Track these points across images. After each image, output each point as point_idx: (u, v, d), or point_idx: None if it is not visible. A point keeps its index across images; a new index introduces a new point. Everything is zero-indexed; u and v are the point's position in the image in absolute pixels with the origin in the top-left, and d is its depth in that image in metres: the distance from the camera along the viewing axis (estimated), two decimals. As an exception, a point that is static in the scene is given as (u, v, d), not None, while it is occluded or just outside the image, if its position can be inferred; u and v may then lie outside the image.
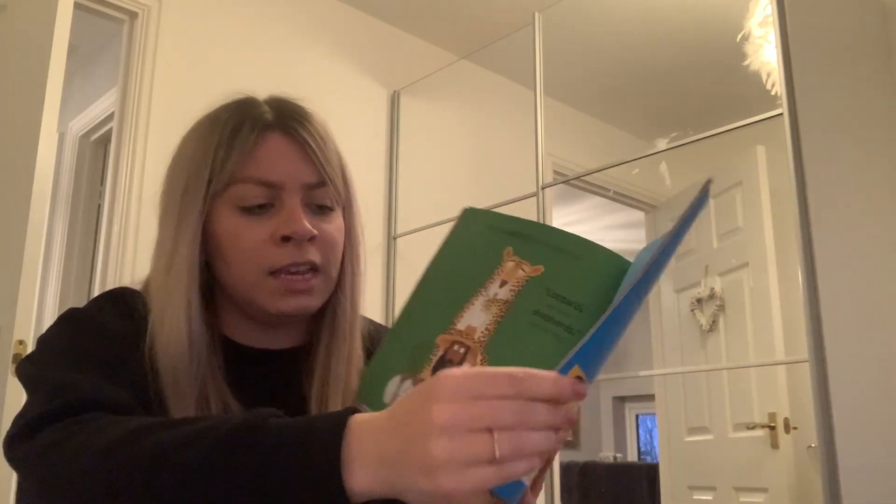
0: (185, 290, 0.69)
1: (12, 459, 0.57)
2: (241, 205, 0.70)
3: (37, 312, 2.18)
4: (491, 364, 0.57)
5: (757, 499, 3.00)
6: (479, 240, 0.65)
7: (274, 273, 0.69)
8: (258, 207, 0.70)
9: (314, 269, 0.71)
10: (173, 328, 0.67)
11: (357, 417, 0.47)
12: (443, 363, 0.60)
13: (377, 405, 0.61)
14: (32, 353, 0.68)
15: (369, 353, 0.77)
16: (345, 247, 0.75)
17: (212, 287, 0.74)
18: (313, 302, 0.72)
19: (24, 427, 0.57)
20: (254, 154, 0.70)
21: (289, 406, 0.71)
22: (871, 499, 1.75)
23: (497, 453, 0.41)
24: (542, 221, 2.59)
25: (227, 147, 0.70)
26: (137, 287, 0.75)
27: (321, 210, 0.73)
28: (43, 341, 0.68)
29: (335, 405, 0.71)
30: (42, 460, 0.54)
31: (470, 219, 0.68)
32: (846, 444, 1.71)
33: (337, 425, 0.46)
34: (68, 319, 0.70)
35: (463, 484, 0.41)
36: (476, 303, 0.61)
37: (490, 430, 0.42)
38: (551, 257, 0.60)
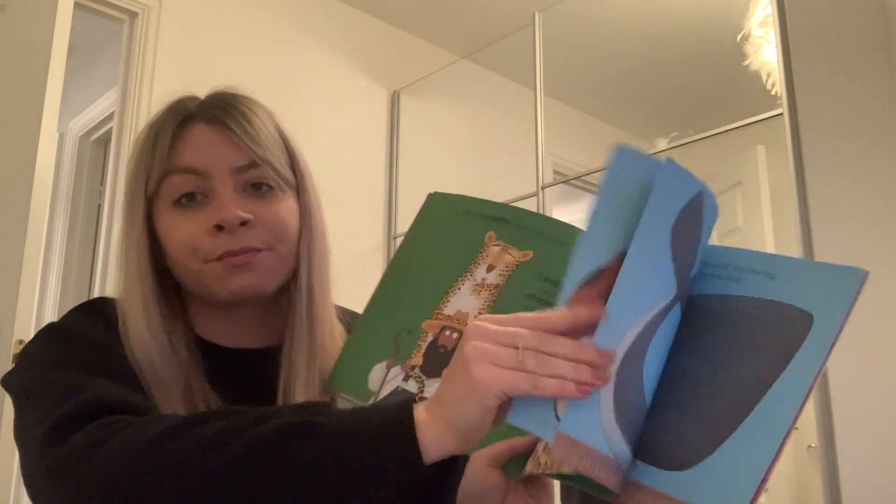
0: (141, 298, 0.69)
1: (50, 468, 0.53)
2: (173, 198, 0.70)
3: (37, 312, 2.18)
4: None
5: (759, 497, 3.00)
6: (455, 224, 0.64)
7: (211, 260, 0.69)
8: (187, 199, 0.69)
9: (255, 250, 0.69)
10: (137, 335, 0.67)
11: (420, 406, 0.50)
12: (435, 348, 0.60)
13: (361, 393, 0.61)
14: (17, 365, 0.66)
15: None
16: (301, 230, 0.74)
17: (179, 290, 0.74)
18: (261, 279, 0.70)
19: (52, 430, 0.54)
20: (175, 147, 0.70)
21: (270, 403, 0.71)
22: (871, 499, 1.75)
23: (523, 363, 0.46)
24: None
25: (152, 148, 0.70)
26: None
27: (261, 193, 0.71)
28: (27, 355, 0.67)
29: (300, 397, 0.70)
30: (85, 460, 0.51)
31: (439, 203, 0.67)
32: (846, 444, 1.71)
33: (404, 402, 0.50)
34: (50, 332, 0.69)
35: (492, 377, 0.46)
36: (462, 288, 0.61)
37: (516, 348, 0.47)
38: (539, 243, 0.60)
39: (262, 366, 0.74)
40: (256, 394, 0.73)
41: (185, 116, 0.72)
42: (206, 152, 0.70)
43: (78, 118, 3.21)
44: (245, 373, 0.74)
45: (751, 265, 0.53)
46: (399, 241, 2.92)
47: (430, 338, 0.60)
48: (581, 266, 0.50)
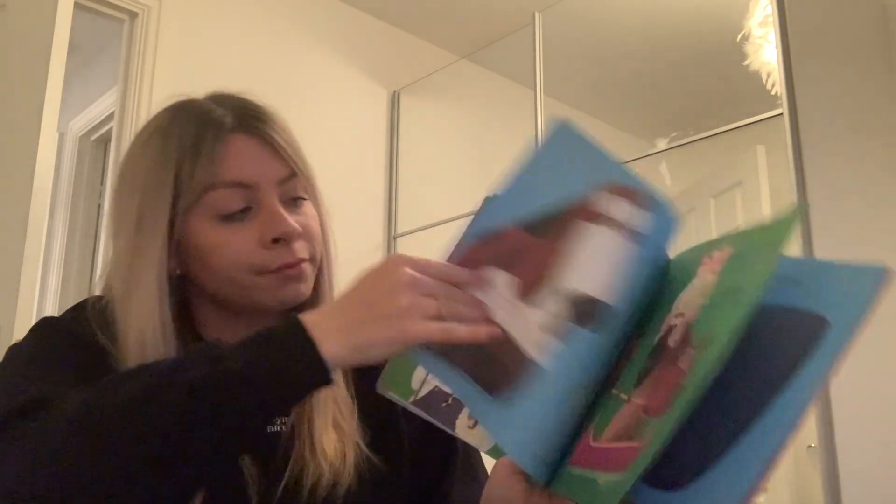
0: (156, 307, 0.67)
1: None
2: (221, 213, 0.68)
3: (37, 312, 2.18)
4: None
5: (756, 499, 3.00)
6: None
7: (265, 273, 0.69)
8: (239, 213, 0.69)
9: (303, 260, 0.71)
10: (145, 343, 0.66)
11: (305, 314, 0.55)
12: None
13: (404, 391, 0.62)
14: (4, 356, 0.67)
15: None
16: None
17: (185, 295, 0.73)
18: (306, 288, 0.72)
19: None
20: (222, 159, 0.68)
21: None
22: (871, 499, 1.75)
23: (443, 311, 0.54)
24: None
25: (192, 157, 0.68)
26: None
27: (295, 202, 0.72)
28: (10, 349, 0.68)
29: (315, 397, 0.71)
30: (14, 444, 0.52)
31: None
32: (846, 444, 1.71)
33: (293, 321, 0.55)
34: (41, 329, 0.70)
35: (423, 330, 0.53)
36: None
37: (435, 297, 0.55)
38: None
39: None
40: None
41: (227, 127, 0.70)
42: (253, 165, 0.69)
43: (78, 118, 3.21)
44: None
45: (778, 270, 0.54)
46: (399, 241, 2.94)
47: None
48: (481, 221, 0.60)
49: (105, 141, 3.11)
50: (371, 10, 3.03)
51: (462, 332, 0.55)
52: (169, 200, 0.68)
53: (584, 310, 0.57)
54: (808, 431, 1.86)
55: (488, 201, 0.64)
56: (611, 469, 0.52)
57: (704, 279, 0.56)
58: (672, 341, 0.55)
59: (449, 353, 0.56)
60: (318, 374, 0.53)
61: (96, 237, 3.01)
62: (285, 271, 0.69)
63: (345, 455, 0.69)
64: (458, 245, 0.59)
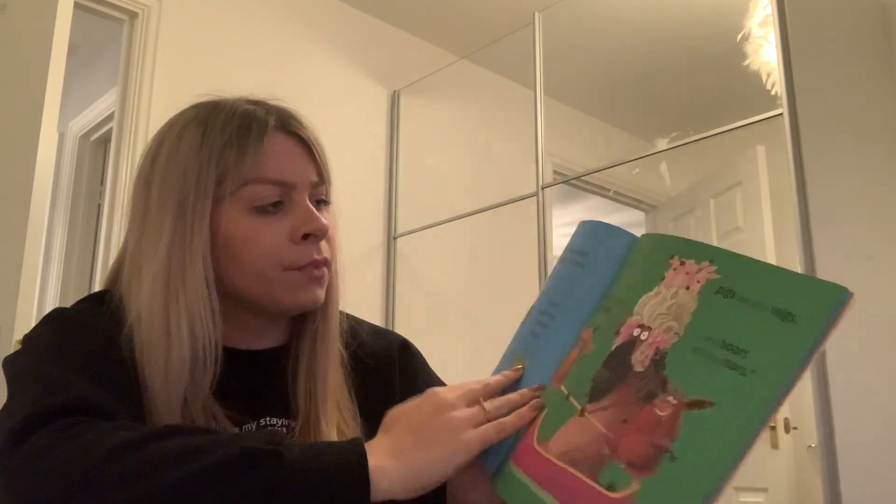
0: (209, 308, 0.67)
1: (4, 471, 0.54)
2: (256, 205, 0.69)
3: (37, 312, 2.18)
4: None
5: (757, 499, 3.00)
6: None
7: (293, 269, 0.70)
8: (272, 206, 0.70)
9: (327, 262, 0.73)
10: (177, 343, 0.65)
11: (371, 447, 0.56)
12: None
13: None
14: (19, 350, 0.66)
15: (349, 348, 0.79)
16: None
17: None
18: (323, 294, 0.73)
19: (10, 433, 0.54)
20: (265, 155, 0.70)
21: (272, 405, 0.72)
22: (871, 499, 1.75)
23: (490, 413, 0.59)
24: (541, 222, 2.59)
25: (239, 148, 0.69)
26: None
27: (319, 207, 0.74)
28: (29, 340, 0.67)
29: (322, 402, 0.72)
30: (30, 469, 0.52)
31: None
32: (846, 444, 1.71)
33: (355, 444, 0.55)
34: (55, 319, 0.69)
35: (480, 436, 0.57)
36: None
37: (479, 403, 0.60)
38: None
39: (264, 367, 0.75)
40: (258, 394, 0.73)
41: (270, 125, 0.71)
42: (292, 164, 0.72)
43: (78, 118, 3.21)
44: (247, 374, 0.74)
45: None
46: (399, 241, 2.94)
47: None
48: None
49: (105, 141, 3.11)
50: (371, 10, 3.03)
51: (511, 422, 0.59)
52: (212, 190, 0.69)
53: (523, 321, 0.69)
54: (808, 431, 1.85)
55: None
56: (560, 497, 0.52)
57: (677, 294, 0.54)
58: (637, 362, 0.54)
59: None
60: None
61: (96, 237, 3.00)
62: (312, 270, 0.71)
63: None
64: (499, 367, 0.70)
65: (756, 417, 0.46)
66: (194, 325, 0.66)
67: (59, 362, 0.62)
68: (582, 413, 0.55)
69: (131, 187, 0.74)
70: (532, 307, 0.69)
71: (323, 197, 0.75)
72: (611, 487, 0.50)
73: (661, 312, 0.55)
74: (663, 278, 0.56)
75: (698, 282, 0.53)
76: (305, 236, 0.70)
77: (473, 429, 0.57)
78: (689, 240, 0.57)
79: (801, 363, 0.46)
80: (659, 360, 0.52)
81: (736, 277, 0.52)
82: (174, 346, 0.65)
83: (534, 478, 0.55)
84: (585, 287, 0.64)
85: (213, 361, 0.67)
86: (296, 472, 0.52)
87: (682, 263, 0.55)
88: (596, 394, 0.55)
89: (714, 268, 0.53)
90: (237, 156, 0.69)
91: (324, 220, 0.71)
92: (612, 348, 0.56)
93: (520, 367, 0.64)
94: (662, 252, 0.58)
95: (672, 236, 0.59)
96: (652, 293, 0.56)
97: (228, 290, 0.71)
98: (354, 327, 0.81)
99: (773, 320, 0.48)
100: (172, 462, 0.51)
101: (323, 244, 0.72)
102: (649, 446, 0.49)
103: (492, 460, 0.60)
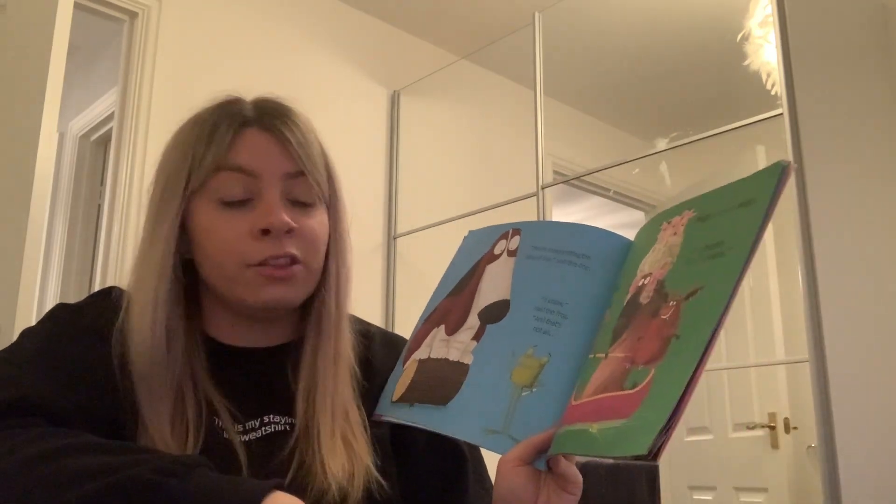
0: (154, 287, 0.68)
1: None
2: (222, 198, 0.70)
3: (37, 312, 2.17)
4: None
5: (757, 499, 3.00)
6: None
7: (252, 265, 0.69)
8: (238, 202, 0.70)
9: (294, 260, 0.70)
10: (142, 326, 0.67)
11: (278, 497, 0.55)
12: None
13: None
14: (11, 344, 0.68)
15: (360, 354, 0.78)
16: (329, 244, 0.75)
17: (196, 287, 0.74)
18: (294, 293, 0.72)
19: None
20: (232, 147, 0.70)
21: (275, 403, 0.72)
22: (871, 499, 1.75)
23: None
24: (542, 222, 2.59)
25: (207, 143, 0.70)
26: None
27: (302, 205, 0.72)
28: (22, 334, 0.69)
29: (322, 403, 0.71)
30: None
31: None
32: (846, 444, 1.71)
33: (263, 486, 0.55)
34: (55, 317, 0.71)
35: None
36: None
37: None
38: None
39: (266, 364, 0.75)
40: (260, 391, 0.73)
41: (243, 120, 0.72)
42: (260, 156, 0.71)
43: (78, 118, 3.21)
44: (250, 371, 0.74)
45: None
46: (399, 241, 2.94)
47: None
48: (426, 309, 0.81)
49: (105, 141, 3.11)
50: (371, 10, 3.03)
51: None
52: (183, 184, 0.70)
53: (493, 312, 0.73)
54: (809, 431, 1.85)
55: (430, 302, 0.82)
56: (603, 418, 0.57)
57: (667, 241, 0.64)
58: (644, 297, 0.62)
59: (409, 399, 0.73)
60: None
61: (96, 237, 3.00)
62: (270, 269, 0.69)
63: (353, 475, 0.68)
64: (414, 331, 0.80)
65: (733, 276, 0.55)
66: (157, 310, 0.68)
67: (28, 359, 0.65)
68: (606, 357, 0.62)
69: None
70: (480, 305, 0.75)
71: (308, 198, 0.72)
72: (633, 387, 0.56)
73: (657, 259, 0.64)
74: (658, 240, 0.66)
75: (682, 225, 0.64)
76: (265, 232, 0.69)
77: None
78: (673, 206, 0.67)
79: (758, 230, 0.55)
80: (660, 287, 0.61)
81: (709, 206, 0.63)
82: (144, 331, 0.67)
83: (580, 420, 0.60)
84: (595, 285, 0.69)
85: (183, 348, 0.69)
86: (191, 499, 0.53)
87: (670, 223, 0.66)
88: (615, 338, 0.62)
89: (692, 212, 0.64)
90: (204, 151, 0.70)
91: (284, 216, 0.69)
92: (625, 303, 0.64)
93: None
94: (654, 226, 0.68)
95: (661, 212, 0.69)
96: (649, 253, 0.66)
97: (213, 291, 0.73)
98: (365, 333, 0.81)
99: (738, 211, 0.58)
100: (79, 478, 0.53)
101: (292, 241, 0.70)
102: (660, 340, 0.56)
103: (495, 444, 0.66)
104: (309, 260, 0.72)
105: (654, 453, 0.50)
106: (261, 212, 0.69)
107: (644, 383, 0.55)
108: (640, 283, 0.63)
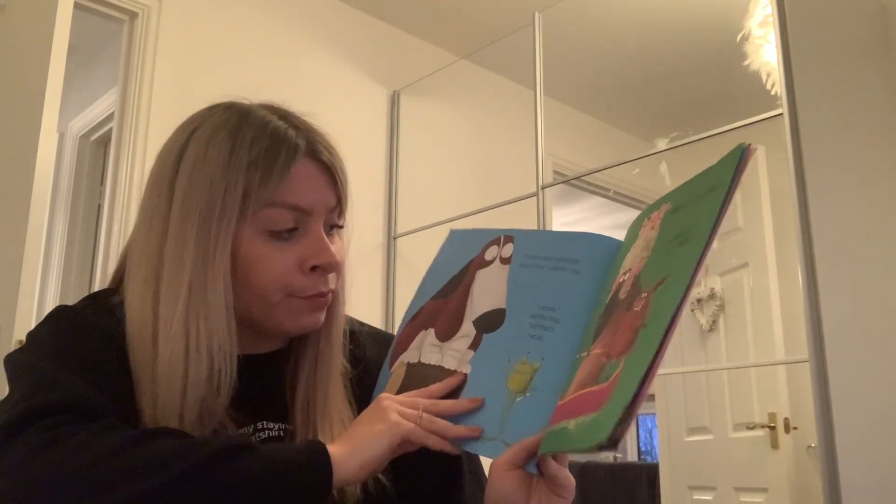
0: (227, 329, 0.67)
1: None
2: (271, 229, 0.69)
3: (37, 312, 2.18)
4: None
5: (757, 499, 3.00)
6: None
7: (296, 296, 0.70)
8: (287, 232, 0.69)
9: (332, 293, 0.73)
10: (201, 368, 0.66)
11: (332, 448, 0.63)
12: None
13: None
14: (21, 348, 0.68)
15: (351, 353, 0.79)
16: None
17: None
18: (323, 318, 0.74)
19: (7, 427, 0.56)
20: (288, 182, 0.69)
21: (268, 410, 0.73)
22: (871, 499, 1.75)
23: (421, 419, 0.67)
24: (542, 222, 2.59)
25: (265, 170, 0.68)
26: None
27: (332, 230, 0.74)
28: (31, 337, 0.69)
29: (322, 414, 0.72)
30: (22, 473, 0.54)
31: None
32: (846, 444, 1.71)
33: (317, 443, 0.63)
34: (57, 317, 0.70)
35: (402, 423, 0.65)
36: None
37: (417, 409, 0.67)
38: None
39: (260, 372, 0.75)
40: (254, 398, 0.73)
41: (296, 149, 0.70)
42: (314, 192, 0.70)
43: (78, 118, 3.21)
44: (243, 378, 0.73)
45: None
46: (399, 241, 2.94)
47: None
48: (411, 309, 0.81)
49: (105, 141, 3.11)
50: (371, 10, 3.03)
51: (441, 424, 0.67)
52: (237, 209, 0.67)
53: (489, 322, 0.74)
54: (809, 431, 1.85)
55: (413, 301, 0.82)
56: (580, 413, 0.58)
57: (646, 236, 0.66)
58: (623, 293, 0.63)
59: None
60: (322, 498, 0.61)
61: (96, 237, 3.00)
62: (316, 300, 0.71)
63: None
64: (399, 330, 0.81)
65: (693, 262, 0.56)
66: (212, 345, 0.66)
67: (55, 361, 0.64)
68: (588, 355, 0.63)
69: (148, 184, 0.73)
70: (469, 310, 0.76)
71: (337, 222, 0.74)
72: (606, 380, 0.57)
73: (636, 254, 0.66)
74: (639, 236, 0.68)
75: (660, 218, 0.66)
76: (314, 268, 0.70)
77: (401, 417, 0.66)
78: (655, 202, 0.68)
79: (717, 215, 0.56)
80: (636, 281, 0.62)
81: (682, 197, 0.64)
82: (192, 365, 0.65)
83: (562, 419, 0.61)
84: (586, 288, 0.70)
85: (228, 374, 0.68)
86: (268, 461, 0.58)
87: (649, 218, 0.67)
88: (597, 335, 0.63)
89: (669, 204, 0.66)
90: (262, 177, 0.67)
91: (335, 254, 0.71)
92: (608, 300, 0.66)
93: (461, 374, 0.72)
94: (638, 223, 0.69)
95: (644, 209, 0.70)
96: (630, 249, 0.68)
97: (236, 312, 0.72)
98: (354, 331, 0.81)
99: (705, 197, 0.59)
100: (156, 466, 0.55)
101: (332, 275, 0.72)
102: (631, 332, 0.57)
103: (488, 449, 0.67)
104: (336, 286, 0.74)
105: (614, 441, 0.51)
106: (310, 246, 0.70)
107: (614, 375, 0.55)
108: (621, 280, 0.65)
